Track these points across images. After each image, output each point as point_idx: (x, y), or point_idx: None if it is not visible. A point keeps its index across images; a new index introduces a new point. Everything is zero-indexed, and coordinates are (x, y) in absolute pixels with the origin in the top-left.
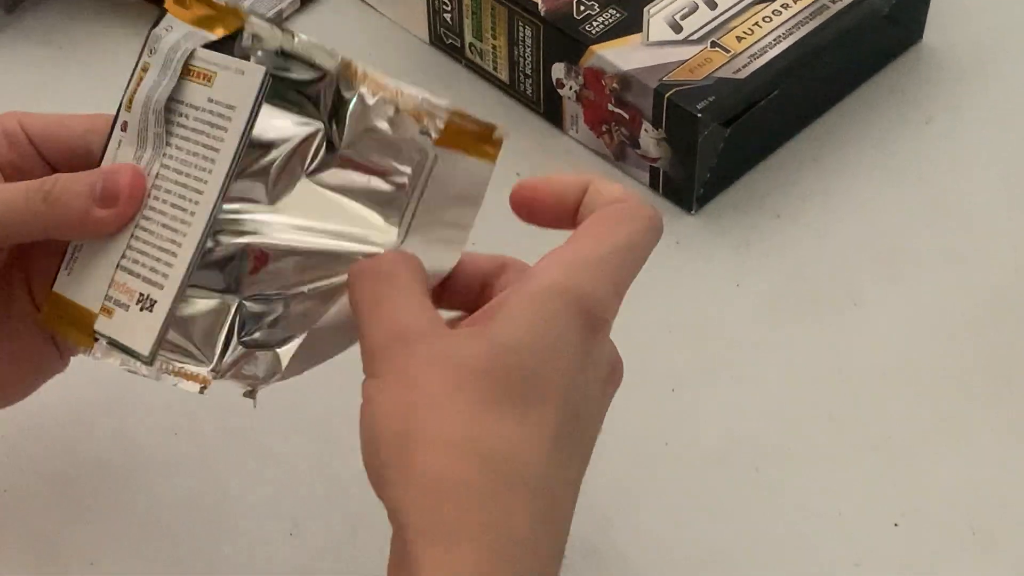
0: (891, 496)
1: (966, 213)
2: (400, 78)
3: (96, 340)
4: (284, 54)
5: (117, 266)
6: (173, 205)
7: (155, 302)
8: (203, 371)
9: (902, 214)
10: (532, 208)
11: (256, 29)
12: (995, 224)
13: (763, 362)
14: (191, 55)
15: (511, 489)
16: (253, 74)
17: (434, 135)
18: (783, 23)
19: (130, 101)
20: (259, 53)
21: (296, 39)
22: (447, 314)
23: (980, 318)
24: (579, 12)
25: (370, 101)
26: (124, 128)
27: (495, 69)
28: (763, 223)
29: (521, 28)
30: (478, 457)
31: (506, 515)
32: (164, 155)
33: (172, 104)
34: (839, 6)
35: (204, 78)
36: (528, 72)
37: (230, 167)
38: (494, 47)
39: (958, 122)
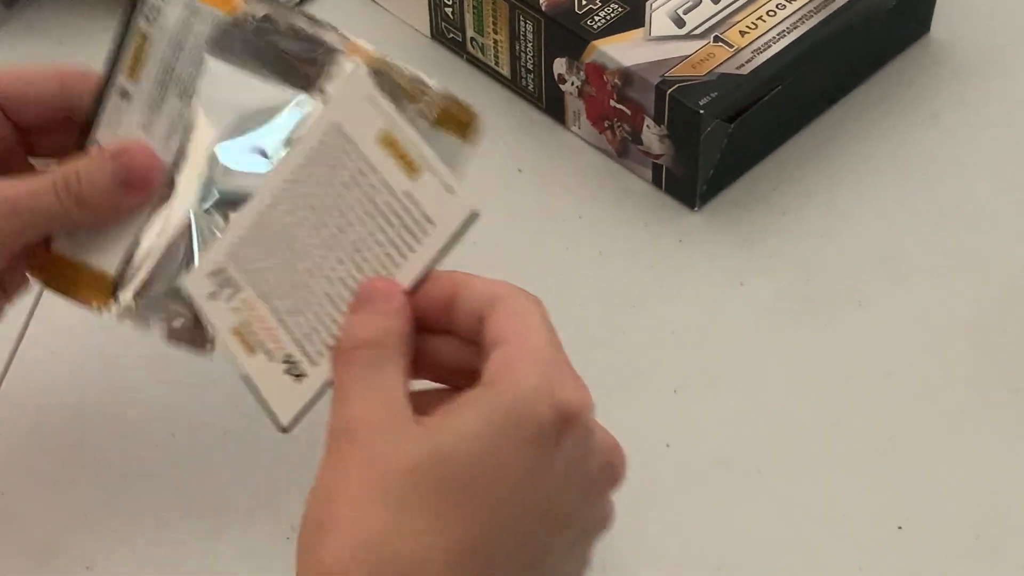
0: (895, 500)
1: (973, 210)
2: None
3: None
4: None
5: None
6: (323, 243)
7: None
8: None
9: (908, 211)
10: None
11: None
12: (1003, 221)
13: (766, 363)
14: (393, 126)
15: None
16: (461, 205)
17: (429, 114)
18: (787, 17)
19: (132, 70)
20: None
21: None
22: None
23: (987, 319)
24: (581, 7)
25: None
26: (125, 96)
27: (497, 64)
28: (767, 220)
29: (522, 23)
30: (375, 557)
31: None
32: (334, 207)
33: (363, 169)
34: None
35: (408, 165)
36: (530, 67)
37: (414, 280)
38: (495, 42)
39: (965, 117)
